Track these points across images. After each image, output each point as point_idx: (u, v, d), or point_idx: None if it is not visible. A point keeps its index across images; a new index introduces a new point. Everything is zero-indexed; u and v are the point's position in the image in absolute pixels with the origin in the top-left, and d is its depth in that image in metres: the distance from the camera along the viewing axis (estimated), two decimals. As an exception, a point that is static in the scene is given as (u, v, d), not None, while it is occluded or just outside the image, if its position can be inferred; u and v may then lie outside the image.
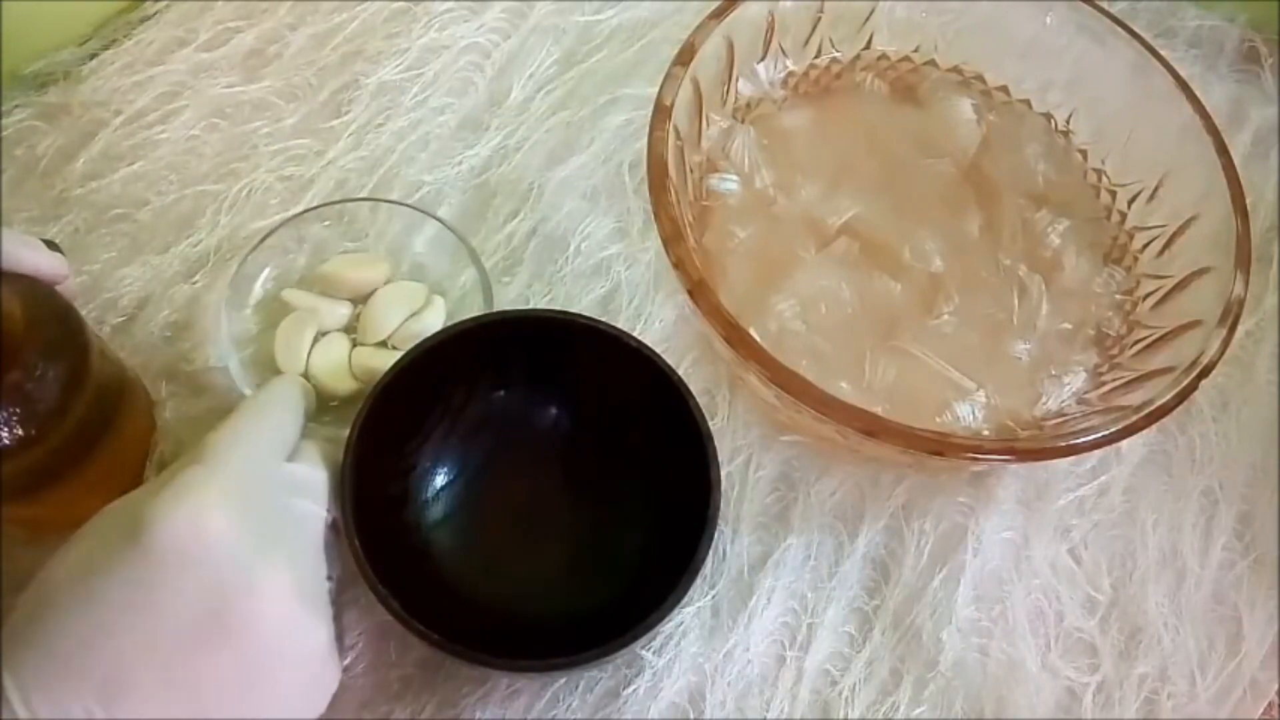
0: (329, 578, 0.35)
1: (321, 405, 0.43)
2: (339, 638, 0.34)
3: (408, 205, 0.48)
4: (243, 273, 0.45)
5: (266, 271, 0.46)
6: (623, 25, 0.57)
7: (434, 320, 0.46)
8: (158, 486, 0.31)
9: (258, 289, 0.46)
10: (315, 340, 0.45)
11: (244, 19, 0.55)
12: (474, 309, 0.45)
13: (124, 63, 0.53)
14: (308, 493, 0.35)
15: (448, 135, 0.53)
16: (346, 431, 0.38)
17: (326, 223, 0.47)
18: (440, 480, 0.43)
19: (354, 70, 0.54)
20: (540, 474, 0.44)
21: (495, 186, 0.52)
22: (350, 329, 0.46)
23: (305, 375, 0.44)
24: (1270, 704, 0.43)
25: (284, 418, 0.36)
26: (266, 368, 0.44)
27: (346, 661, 0.40)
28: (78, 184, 0.49)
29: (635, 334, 0.42)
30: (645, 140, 0.43)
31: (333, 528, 0.36)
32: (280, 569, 0.31)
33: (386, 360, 0.41)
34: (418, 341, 0.40)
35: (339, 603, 0.35)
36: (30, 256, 0.36)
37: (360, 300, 0.46)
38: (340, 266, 0.46)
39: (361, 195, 0.50)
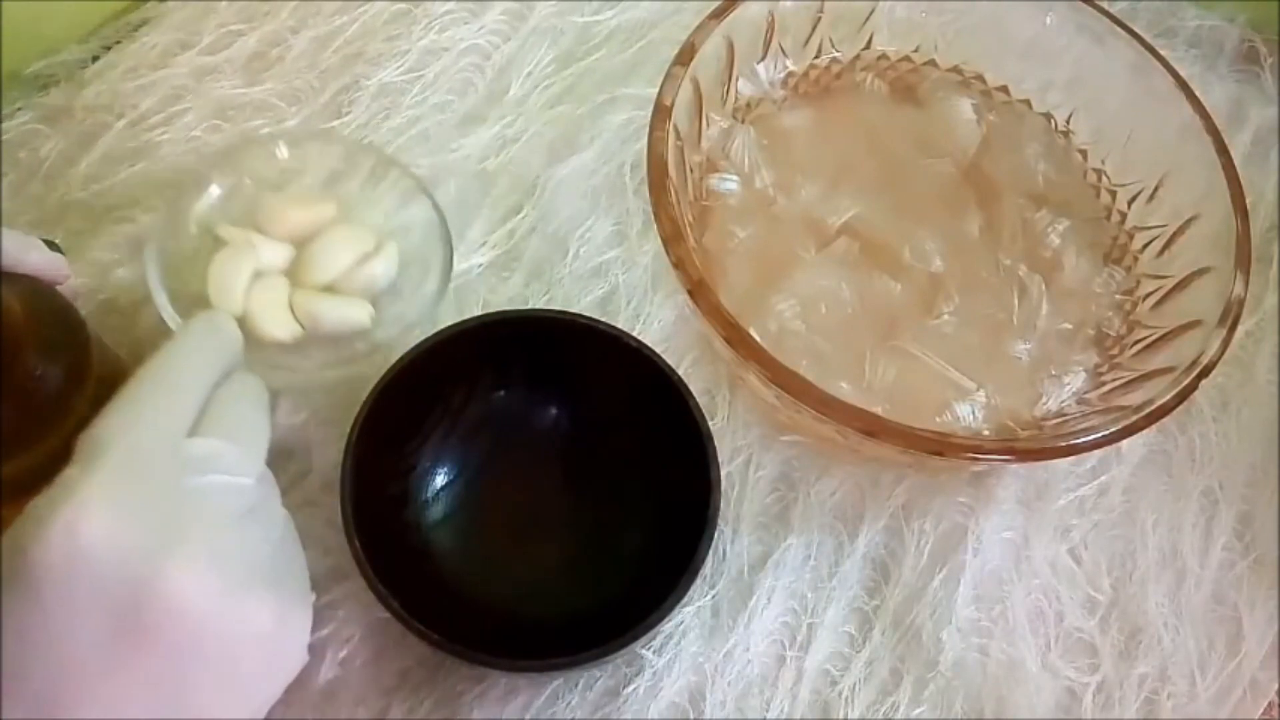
0: (296, 556, 0.33)
1: (260, 348, 0.40)
2: (311, 593, 0.32)
3: (406, 170, 0.44)
4: (178, 205, 0.41)
5: (206, 203, 0.42)
6: (622, 26, 0.57)
7: (385, 267, 0.42)
8: (34, 504, 0.28)
9: (193, 225, 0.42)
10: (253, 280, 0.41)
11: (246, 22, 0.55)
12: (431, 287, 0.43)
13: (127, 66, 0.53)
14: (217, 465, 0.31)
15: (446, 132, 0.53)
16: (282, 377, 0.36)
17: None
18: (440, 480, 0.43)
19: (354, 72, 0.54)
20: (540, 474, 0.44)
21: (494, 183, 0.51)
22: (291, 272, 0.42)
23: (241, 317, 0.40)
24: (1270, 704, 0.43)
25: (185, 381, 0.32)
26: (200, 308, 0.40)
27: (343, 654, 0.40)
28: (80, 187, 0.49)
29: (635, 334, 0.42)
30: (645, 140, 0.43)
31: (264, 481, 0.33)
32: (191, 558, 0.28)
33: (333, 305, 0.38)
34: (421, 339, 0.40)
35: (316, 572, 0.33)
36: (31, 257, 0.36)
37: (302, 243, 0.43)
38: (281, 204, 0.43)
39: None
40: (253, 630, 0.30)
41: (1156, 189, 0.49)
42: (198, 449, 0.31)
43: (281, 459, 0.43)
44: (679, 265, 0.41)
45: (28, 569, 0.27)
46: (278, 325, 0.40)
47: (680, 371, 0.41)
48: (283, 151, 0.45)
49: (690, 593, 0.37)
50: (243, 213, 0.43)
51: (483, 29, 0.56)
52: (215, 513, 0.30)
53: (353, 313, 0.42)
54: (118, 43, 0.54)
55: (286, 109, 0.52)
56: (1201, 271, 0.45)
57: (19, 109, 0.51)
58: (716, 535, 0.38)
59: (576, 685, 0.40)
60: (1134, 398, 0.42)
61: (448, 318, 0.42)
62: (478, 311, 0.44)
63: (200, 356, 0.33)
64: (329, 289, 0.42)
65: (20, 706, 0.26)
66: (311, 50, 0.55)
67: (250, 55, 0.54)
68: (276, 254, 0.42)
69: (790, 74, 0.53)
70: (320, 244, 0.42)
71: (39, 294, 0.36)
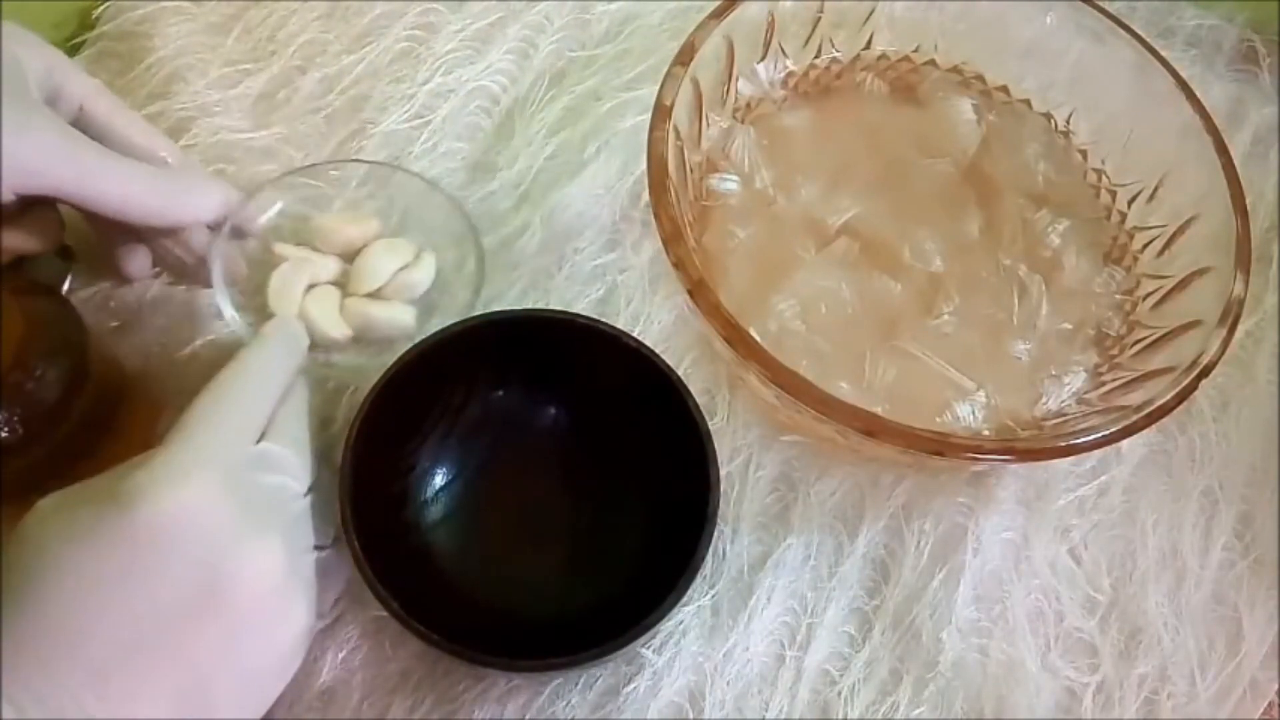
0: (319, 547, 0.35)
1: (317, 346, 0.43)
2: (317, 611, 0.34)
3: (441, 190, 0.48)
4: (242, 218, 0.44)
5: (267, 218, 0.46)
6: (628, 51, 0.56)
7: (424, 275, 0.46)
8: (129, 469, 0.30)
9: (252, 240, 0.46)
10: (307, 290, 0.44)
11: (253, 61, 0.54)
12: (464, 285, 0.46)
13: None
14: (282, 468, 0.34)
15: (455, 164, 0.52)
16: (339, 366, 0.41)
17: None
18: (440, 480, 0.43)
19: (361, 118, 0.53)
20: (539, 474, 0.44)
21: (496, 187, 0.51)
22: (340, 284, 0.46)
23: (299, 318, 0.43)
24: (1270, 704, 0.43)
25: (263, 386, 0.35)
26: (260, 314, 0.43)
27: (342, 655, 0.40)
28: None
29: (635, 335, 0.42)
30: (645, 142, 0.43)
31: (312, 493, 0.35)
32: (270, 546, 0.31)
33: (381, 309, 0.43)
34: (421, 339, 0.40)
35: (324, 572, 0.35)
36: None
37: (349, 257, 0.46)
38: (331, 221, 0.47)
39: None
40: (296, 621, 0.32)
41: (1156, 189, 0.49)
42: (265, 452, 0.33)
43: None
44: (679, 265, 0.41)
45: (132, 522, 0.29)
46: (331, 326, 0.44)
47: (680, 371, 0.41)
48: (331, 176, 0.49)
49: (690, 592, 0.37)
50: (292, 231, 0.47)
51: (489, 68, 0.55)
52: (281, 511, 0.33)
53: (399, 315, 0.45)
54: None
55: (293, 156, 0.51)
56: (1201, 271, 0.45)
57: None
58: (716, 535, 0.38)
59: (576, 684, 0.40)
60: (1134, 398, 0.42)
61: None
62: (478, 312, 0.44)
63: (277, 362, 0.36)
64: (374, 296, 0.45)
65: (89, 653, 0.28)
66: (319, 92, 0.53)
67: (257, 96, 0.53)
68: (328, 267, 0.46)
69: (790, 74, 0.53)
70: (366, 255, 0.46)
71: (39, 294, 0.36)
